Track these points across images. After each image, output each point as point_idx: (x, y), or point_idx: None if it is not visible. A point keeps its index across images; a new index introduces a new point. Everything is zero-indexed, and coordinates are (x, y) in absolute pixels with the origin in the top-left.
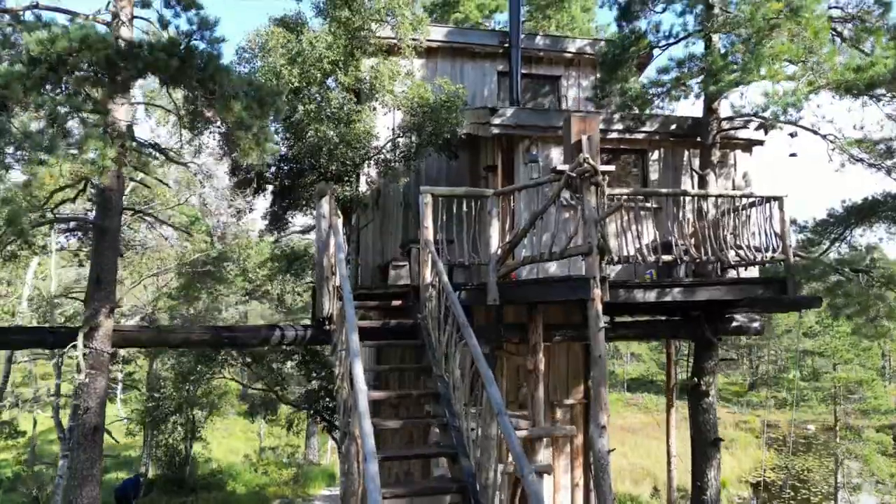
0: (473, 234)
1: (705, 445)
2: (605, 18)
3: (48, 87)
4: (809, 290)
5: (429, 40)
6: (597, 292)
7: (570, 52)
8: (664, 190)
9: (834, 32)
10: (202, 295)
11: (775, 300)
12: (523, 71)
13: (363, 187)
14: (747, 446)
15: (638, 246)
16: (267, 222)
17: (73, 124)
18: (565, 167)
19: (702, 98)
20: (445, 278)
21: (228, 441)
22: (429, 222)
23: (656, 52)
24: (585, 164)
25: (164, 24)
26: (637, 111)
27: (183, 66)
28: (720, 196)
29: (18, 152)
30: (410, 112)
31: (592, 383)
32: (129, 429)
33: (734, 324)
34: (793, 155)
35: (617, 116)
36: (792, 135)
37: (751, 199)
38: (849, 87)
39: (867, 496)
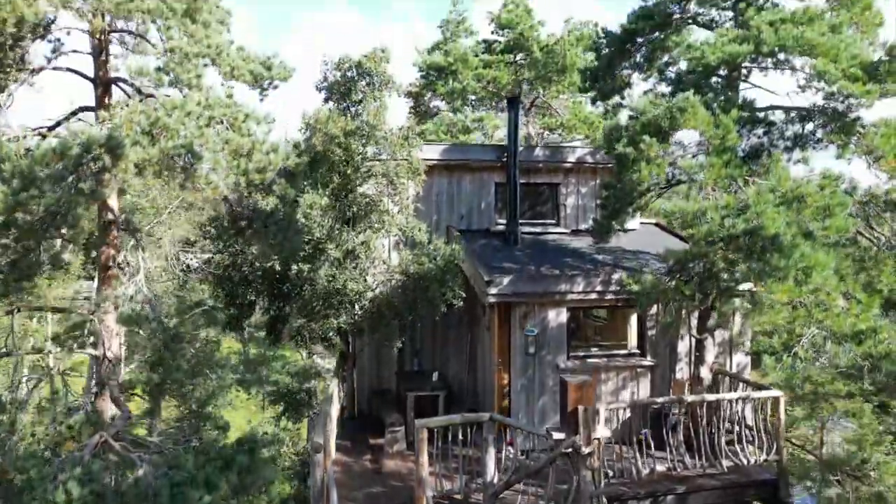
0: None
1: None
2: None
3: None
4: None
5: (425, 159)
6: None
7: (569, 162)
8: (660, 399)
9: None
10: None
11: None
12: (522, 180)
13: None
14: None
15: (632, 402)
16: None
17: None
18: (561, 436)
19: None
20: None
21: (229, 415)
22: (424, 458)
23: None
24: (579, 446)
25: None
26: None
27: None
28: (718, 399)
29: None
30: (404, 275)
31: None
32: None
33: None
34: None
35: (617, 277)
36: None
37: (747, 398)
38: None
39: None
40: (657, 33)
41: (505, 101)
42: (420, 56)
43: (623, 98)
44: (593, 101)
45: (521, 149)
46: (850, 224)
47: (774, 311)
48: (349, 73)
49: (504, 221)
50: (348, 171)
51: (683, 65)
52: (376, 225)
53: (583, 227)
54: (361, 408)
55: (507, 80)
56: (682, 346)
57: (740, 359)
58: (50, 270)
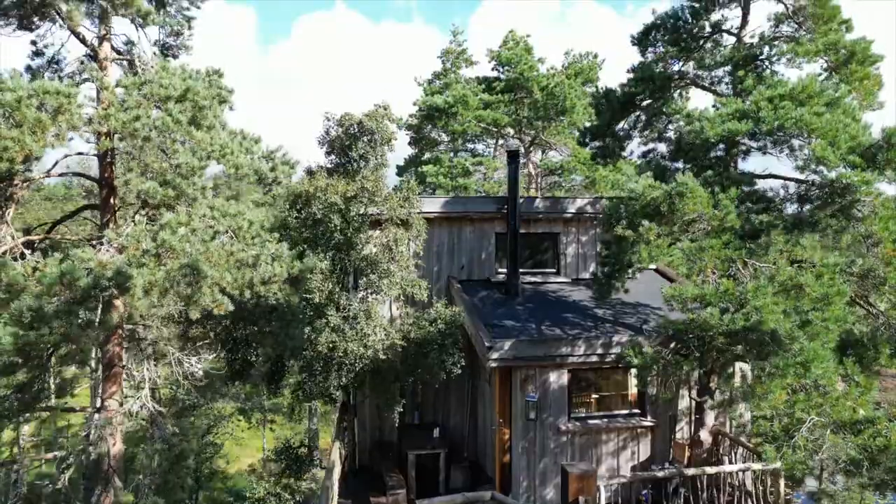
0: None
1: None
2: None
3: None
4: None
5: (426, 212)
6: None
7: (569, 213)
8: (660, 473)
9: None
10: None
11: None
12: (522, 230)
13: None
14: None
15: (633, 476)
16: None
17: None
18: None
19: None
20: None
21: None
22: None
23: None
24: None
25: None
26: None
27: None
28: (718, 472)
29: None
30: (404, 340)
31: None
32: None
33: None
34: None
35: (616, 339)
36: None
37: (748, 469)
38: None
39: None
40: (658, 95)
41: (504, 138)
42: (420, 91)
43: (622, 154)
44: (593, 158)
45: (521, 200)
46: (849, 316)
47: (773, 396)
48: (350, 131)
49: (504, 271)
50: (348, 233)
51: (683, 126)
52: (376, 284)
53: (583, 276)
54: (363, 461)
55: (506, 122)
56: (683, 407)
57: (739, 420)
58: (55, 400)
